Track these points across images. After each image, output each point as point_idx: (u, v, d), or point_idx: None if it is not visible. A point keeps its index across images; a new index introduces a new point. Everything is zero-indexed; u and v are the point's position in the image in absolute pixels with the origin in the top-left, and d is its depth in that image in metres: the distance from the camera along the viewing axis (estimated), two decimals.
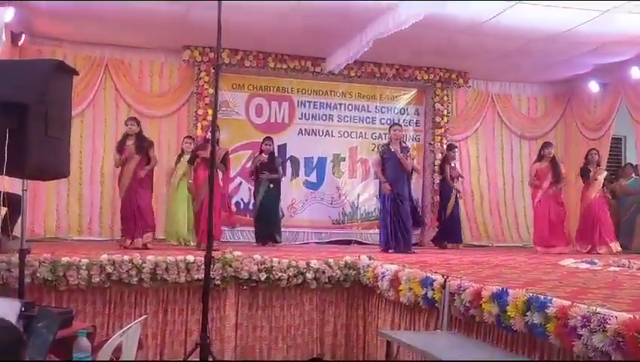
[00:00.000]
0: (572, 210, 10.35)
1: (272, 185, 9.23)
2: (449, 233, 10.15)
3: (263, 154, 9.24)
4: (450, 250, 9.63)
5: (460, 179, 10.51)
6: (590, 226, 9.48)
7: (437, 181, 10.84)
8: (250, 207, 9.86)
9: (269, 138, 9.43)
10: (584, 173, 9.66)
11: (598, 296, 3.76)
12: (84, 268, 5.72)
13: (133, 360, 3.51)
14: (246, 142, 10.26)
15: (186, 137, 9.16)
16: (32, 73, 3.93)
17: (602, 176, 9.64)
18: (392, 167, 8.62)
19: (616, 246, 9.29)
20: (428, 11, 7.09)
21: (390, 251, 8.31)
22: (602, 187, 9.66)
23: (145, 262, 5.90)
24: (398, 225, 8.43)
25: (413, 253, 8.33)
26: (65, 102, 4.13)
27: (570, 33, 8.54)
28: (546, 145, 9.51)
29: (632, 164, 10.98)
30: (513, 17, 7.99)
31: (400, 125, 9.28)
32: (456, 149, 10.64)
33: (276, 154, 9.55)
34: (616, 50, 9.37)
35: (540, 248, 9.18)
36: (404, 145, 8.99)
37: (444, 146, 10.81)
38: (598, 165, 9.74)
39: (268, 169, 9.20)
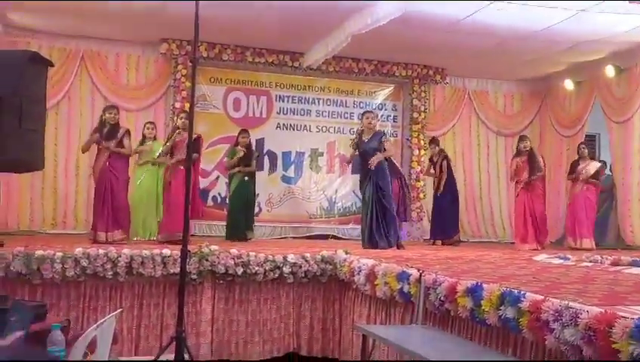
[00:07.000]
0: (554, 204, 10.47)
1: (246, 178, 8.94)
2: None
3: (239, 147, 9.00)
4: (423, 245, 9.70)
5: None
6: (571, 221, 9.54)
7: (414, 177, 10.95)
8: (227, 201, 9.79)
9: (245, 131, 9.21)
10: (573, 169, 9.65)
11: (571, 290, 3.82)
12: (58, 261, 5.66)
13: (108, 354, 3.49)
14: (224, 135, 10.21)
15: (148, 122, 8.99)
16: (6, 65, 3.87)
17: (593, 168, 9.51)
18: (367, 159, 8.03)
19: (589, 242, 9.31)
20: (406, 8, 7.13)
21: (373, 247, 7.75)
22: (595, 179, 9.53)
23: (120, 256, 5.85)
24: (378, 220, 7.88)
25: (402, 247, 7.99)
26: (40, 94, 4.08)
27: (545, 32, 8.64)
28: (522, 138, 9.49)
29: (604, 162, 11.14)
30: (490, 15, 8.06)
31: (372, 112, 8.76)
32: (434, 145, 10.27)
33: (253, 148, 9.43)
34: (591, 48, 9.51)
35: (517, 243, 9.16)
36: (377, 132, 8.33)
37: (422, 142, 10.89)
38: (592, 158, 9.73)
39: (244, 162, 8.99)
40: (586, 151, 9.64)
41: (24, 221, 9.36)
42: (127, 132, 7.68)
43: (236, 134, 9.21)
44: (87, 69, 9.81)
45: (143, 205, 8.46)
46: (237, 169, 8.92)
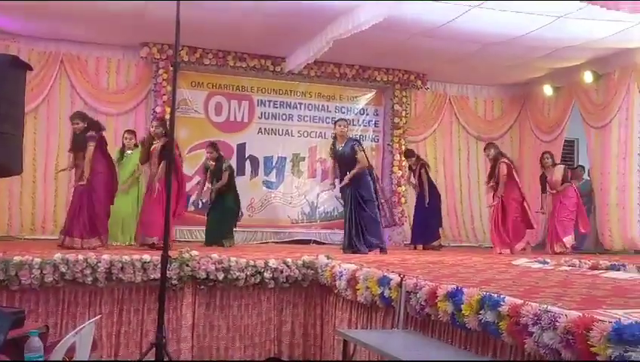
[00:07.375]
0: (533, 208, 10.45)
1: (224, 187, 8.88)
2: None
3: (210, 161, 8.96)
4: (404, 249, 9.72)
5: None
6: (550, 229, 9.51)
7: (395, 182, 10.99)
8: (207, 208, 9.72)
9: (211, 145, 9.07)
10: (542, 182, 9.60)
11: (550, 294, 3.84)
12: (36, 267, 5.60)
13: (87, 360, 3.46)
14: (205, 140, 10.14)
15: (126, 131, 8.94)
16: None
17: (558, 174, 9.44)
18: (344, 167, 8.18)
19: (562, 246, 9.21)
20: (387, 13, 7.16)
21: (353, 253, 7.81)
22: (568, 181, 9.43)
23: (100, 262, 5.80)
24: (358, 226, 7.95)
25: (384, 252, 7.99)
26: (18, 98, 4.03)
27: (525, 38, 8.73)
28: (486, 146, 9.49)
29: (583, 167, 11.26)
30: (470, 21, 8.12)
31: (345, 120, 8.72)
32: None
33: (229, 157, 9.32)
34: (570, 54, 9.62)
35: (494, 247, 9.23)
36: (350, 138, 8.39)
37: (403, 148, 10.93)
38: (554, 165, 9.55)
39: (216, 176, 8.91)
40: (550, 161, 9.52)
41: (2, 226, 9.25)
42: (93, 138, 7.36)
43: (218, 139, 9.17)
44: (67, 72, 9.73)
45: (123, 211, 8.40)
46: (210, 189, 8.93)
